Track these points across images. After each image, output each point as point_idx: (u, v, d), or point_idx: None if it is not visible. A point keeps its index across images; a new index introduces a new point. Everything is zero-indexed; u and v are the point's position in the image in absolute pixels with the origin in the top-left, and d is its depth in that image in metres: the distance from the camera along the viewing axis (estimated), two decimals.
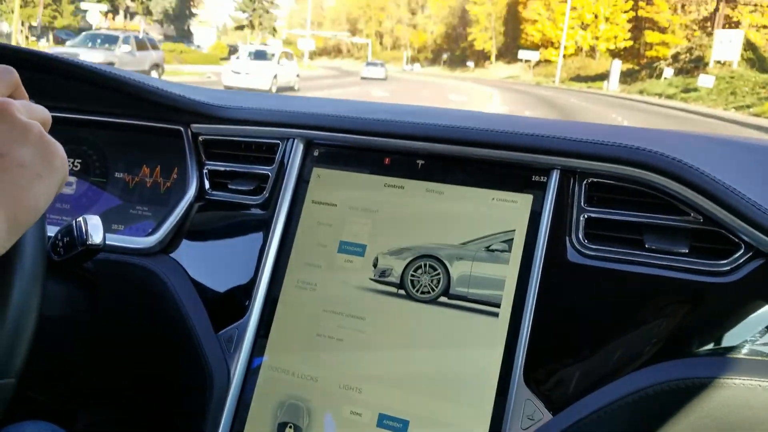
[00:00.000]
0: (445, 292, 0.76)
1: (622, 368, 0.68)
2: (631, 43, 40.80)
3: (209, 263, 0.87)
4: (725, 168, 0.73)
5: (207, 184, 0.91)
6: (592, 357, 0.70)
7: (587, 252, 0.73)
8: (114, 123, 0.98)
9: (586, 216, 0.74)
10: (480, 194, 0.79)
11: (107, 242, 0.76)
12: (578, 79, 38.48)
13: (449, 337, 0.75)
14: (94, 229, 0.74)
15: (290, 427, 0.77)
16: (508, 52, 51.11)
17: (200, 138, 0.93)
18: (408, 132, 0.81)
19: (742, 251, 0.68)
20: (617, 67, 32.07)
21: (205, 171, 0.91)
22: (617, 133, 0.77)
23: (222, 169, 0.91)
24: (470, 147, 0.79)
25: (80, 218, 0.75)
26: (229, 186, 0.89)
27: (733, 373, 0.65)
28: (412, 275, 0.78)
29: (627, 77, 32.31)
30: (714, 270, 0.69)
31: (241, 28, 49.04)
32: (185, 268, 0.87)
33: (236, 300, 0.82)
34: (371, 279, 0.79)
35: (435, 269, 0.78)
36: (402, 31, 72.38)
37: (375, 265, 0.80)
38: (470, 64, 57.75)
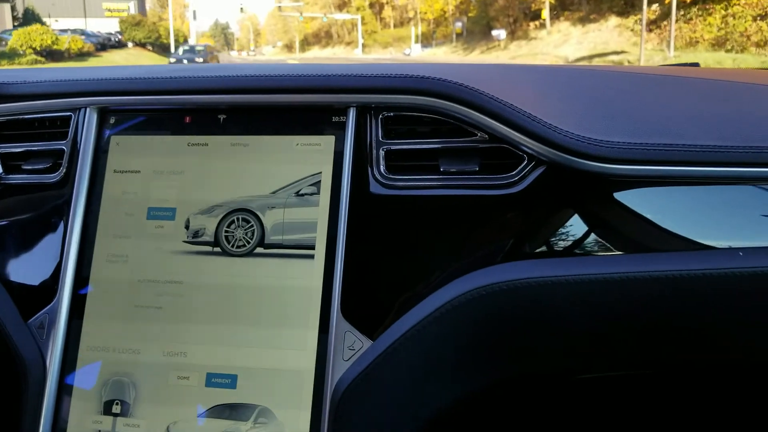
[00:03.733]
0: (261, 243, 0.76)
1: (432, 287, 0.72)
2: None
3: (10, 250, 0.81)
4: (506, 89, 0.78)
5: (0, 169, 0.84)
6: (403, 281, 0.73)
7: (389, 183, 0.75)
8: None
9: (385, 149, 0.76)
10: (284, 141, 0.79)
11: None
12: None
13: (269, 286, 0.75)
14: None
15: (117, 403, 0.74)
16: None
17: None
18: (205, 86, 0.79)
19: (525, 162, 0.73)
20: None
21: None
22: (406, 68, 0.80)
23: (15, 150, 0.85)
24: (269, 94, 0.78)
25: None
26: (23, 167, 0.83)
27: (529, 274, 0.70)
28: (226, 231, 0.77)
29: None
30: (502, 183, 0.73)
31: None
32: None
33: (44, 284, 0.78)
34: (184, 241, 0.77)
35: (248, 222, 0.77)
36: None
37: (187, 227, 0.78)
38: (498, 33, 29.80)
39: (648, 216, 0.72)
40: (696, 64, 1.27)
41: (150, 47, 38.35)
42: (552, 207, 0.74)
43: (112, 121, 0.82)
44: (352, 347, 0.71)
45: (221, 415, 0.72)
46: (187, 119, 0.81)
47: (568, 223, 0.74)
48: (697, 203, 0.71)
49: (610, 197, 0.72)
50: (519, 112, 0.71)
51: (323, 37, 65.26)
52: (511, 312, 0.70)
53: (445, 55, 37.35)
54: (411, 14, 48.10)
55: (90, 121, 0.81)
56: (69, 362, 0.75)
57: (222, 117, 0.80)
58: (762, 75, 1.05)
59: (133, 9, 40.36)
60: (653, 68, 1.16)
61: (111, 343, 0.76)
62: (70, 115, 0.83)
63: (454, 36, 39.15)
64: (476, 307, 0.69)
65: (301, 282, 0.74)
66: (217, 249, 0.77)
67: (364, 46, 52.91)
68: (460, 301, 0.69)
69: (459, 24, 38.22)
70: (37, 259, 0.79)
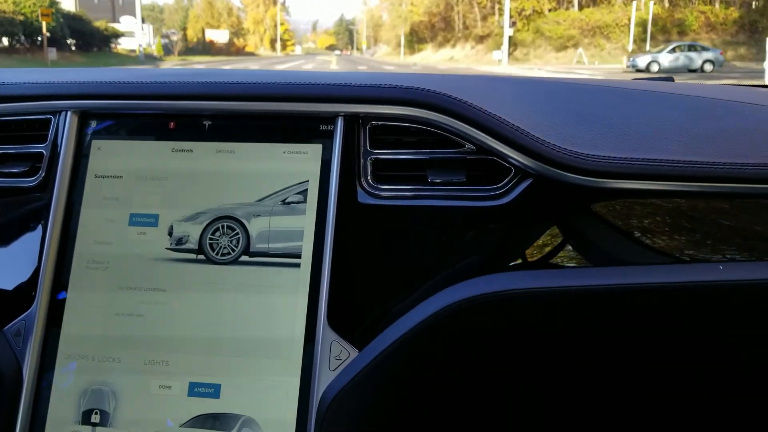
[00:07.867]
0: (246, 251, 0.75)
1: (419, 297, 0.72)
2: None
3: None
4: (493, 100, 0.79)
5: None
6: (391, 291, 0.73)
7: (377, 193, 0.75)
8: None
9: (372, 159, 0.76)
10: (271, 149, 0.78)
11: None
12: None
13: (254, 294, 0.74)
14: None
15: (96, 413, 0.72)
16: None
17: None
18: (191, 92, 0.78)
19: (512, 174, 0.74)
20: None
21: None
22: (394, 78, 0.80)
23: None
24: (256, 102, 0.78)
25: None
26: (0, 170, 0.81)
27: (515, 285, 0.70)
28: (211, 238, 0.76)
29: None
30: (489, 194, 0.74)
31: None
32: None
33: (21, 290, 0.76)
34: (168, 248, 0.76)
35: (233, 229, 0.76)
36: None
37: (170, 234, 0.77)
38: None
39: (631, 229, 0.73)
40: (670, 78, 1.30)
41: None
42: (538, 219, 0.75)
43: (93, 124, 0.81)
44: (339, 357, 0.71)
45: (204, 425, 0.71)
46: (172, 125, 0.80)
47: (553, 235, 0.75)
48: (679, 217, 0.73)
49: (595, 210, 0.73)
50: (506, 124, 0.72)
51: (440, 28, 39.19)
52: (498, 323, 0.70)
53: None
54: None
55: (71, 125, 0.80)
56: (46, 370, 0.74)
57: (207, 123, 0.80)
58: (732, 90, 1.08)
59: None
60: (628, 82, 1.18)
61: (90, 352, 0.74)
62: (50, 118, 0.81)
63: None
64: (463, 318, 0.70)
65: (287, 291, 0.74)
66: (201, 257, 0.76)
67: (513, 44, 28.11)
68: (447, 311, 0.69)
69: None
70: (14, 264, 0.77)
